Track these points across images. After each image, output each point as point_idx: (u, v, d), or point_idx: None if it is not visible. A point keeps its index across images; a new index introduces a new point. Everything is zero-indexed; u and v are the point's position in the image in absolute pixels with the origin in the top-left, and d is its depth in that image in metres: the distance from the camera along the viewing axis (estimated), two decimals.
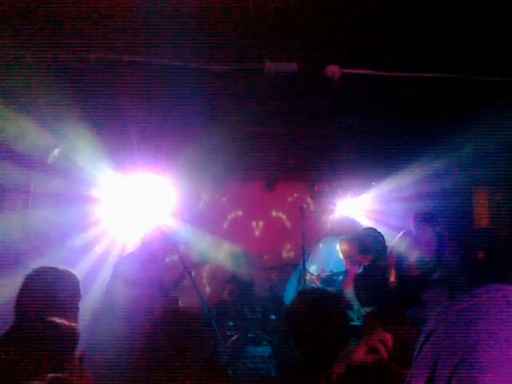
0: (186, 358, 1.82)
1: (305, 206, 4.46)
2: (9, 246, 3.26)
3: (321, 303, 2.07)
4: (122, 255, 4.42)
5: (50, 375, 1.41)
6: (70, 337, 1.69)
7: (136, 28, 2.28)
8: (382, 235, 3.97)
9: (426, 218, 4.39)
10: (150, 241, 4.25)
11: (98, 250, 4.53)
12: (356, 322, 3.62)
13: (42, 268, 2.22)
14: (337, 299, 2.17)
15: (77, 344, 1.70)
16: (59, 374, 1.47)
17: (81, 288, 2.27)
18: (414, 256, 4.36)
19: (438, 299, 3.60)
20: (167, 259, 4.42)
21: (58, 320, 1.71)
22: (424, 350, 0.69)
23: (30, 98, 3.01)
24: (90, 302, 3.66)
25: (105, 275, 4.23)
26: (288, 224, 6.35)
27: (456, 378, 0.59)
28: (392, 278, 4.37)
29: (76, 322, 2.15)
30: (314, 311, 2.01)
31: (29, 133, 3.38)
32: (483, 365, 0.59)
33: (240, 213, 6.37)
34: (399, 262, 4.41)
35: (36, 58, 2.49)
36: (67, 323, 1.73)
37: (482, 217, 5.31)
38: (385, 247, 4.01)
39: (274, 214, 6.51)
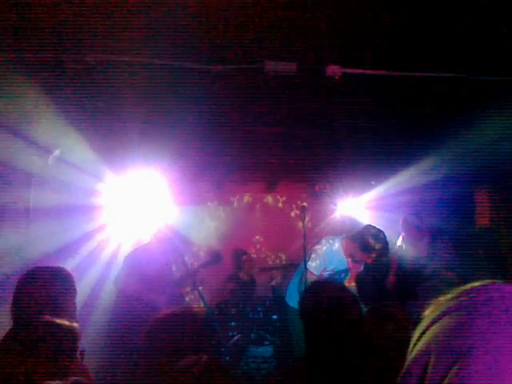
0: (188, 358, 1.81)
1: (306, 205, 4.47)
2: (15, 261, 3.25)
3: (335, 291, 2.09)
4: (136, 249, 4.40)
5: (72, 378, 1.40)
6: (71, 336, 1.69)
7: (136, 29, 2.28)
8: (382, 232, 3.97)
9: (413, 221, 4.63)
10: (164, 238, 4.28)
11: (99, 249, 4.54)
12: None
13: (35, 268, 2.21)
14: (348, 289, 2.20)
15: (78, 343, 1.69)
16: (80, 378, 1.46)
17: (76, 285, 2.26)
18: (409, 255, 4.53)
19: (429, 292, 3.73)
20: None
21: (58, 320, 1.71)
22: (418, 347, 0.67)
23: (29, 100, 3.02)
24: (90, 302, 3.67)
25: (102, 274, 4.25)
26: (289, 224, 6.35)
27: (447, 381, 0.58)
28: (391, 278, 4.57)
29: (75, 319, 2.15)
30: (329, 298, 2.02)
31: (29, 134, 3.39)
32: (475, 370, 0.57)
33: (241, 213, 6.37)
34: (399, 262, 4.58)
35: (36, 59, 2.49)
36: (67, 322, 1.73)
37: (484, 216, 5.30)
38: (386, 244, 4.00)
39: (275, 214, 6.51)
